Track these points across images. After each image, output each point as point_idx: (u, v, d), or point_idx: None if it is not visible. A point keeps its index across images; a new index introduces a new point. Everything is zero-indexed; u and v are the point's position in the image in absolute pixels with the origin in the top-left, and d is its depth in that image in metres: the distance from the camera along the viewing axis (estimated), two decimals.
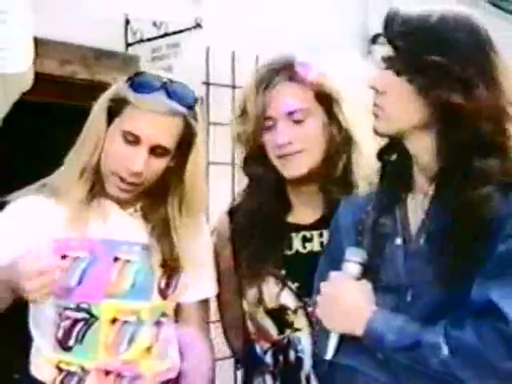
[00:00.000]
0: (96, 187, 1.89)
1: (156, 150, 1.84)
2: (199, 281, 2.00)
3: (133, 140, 1.83)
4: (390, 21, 1.53)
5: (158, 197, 1.94)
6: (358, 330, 1.52)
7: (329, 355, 1.60)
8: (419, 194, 1.57)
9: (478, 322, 1.41)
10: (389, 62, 1.53)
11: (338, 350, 1.59)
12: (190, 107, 1.88)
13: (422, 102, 1.50)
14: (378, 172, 1.67)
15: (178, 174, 1.92)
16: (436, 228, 1.50)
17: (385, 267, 1.57)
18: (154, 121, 1.83)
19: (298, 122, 1.92)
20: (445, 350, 1.41)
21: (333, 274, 1.61)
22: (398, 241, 1.57)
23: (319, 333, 1.67)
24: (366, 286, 1.58)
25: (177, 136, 1.86)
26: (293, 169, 1.94)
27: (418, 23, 1.51)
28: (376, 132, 1.59)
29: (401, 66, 1.51)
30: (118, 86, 1.90)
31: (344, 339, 1.58)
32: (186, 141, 1.89)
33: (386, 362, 1.50)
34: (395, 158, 1.63)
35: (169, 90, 1.84)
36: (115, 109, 1.86)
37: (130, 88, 1.85)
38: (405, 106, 1.52)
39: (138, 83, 1.85)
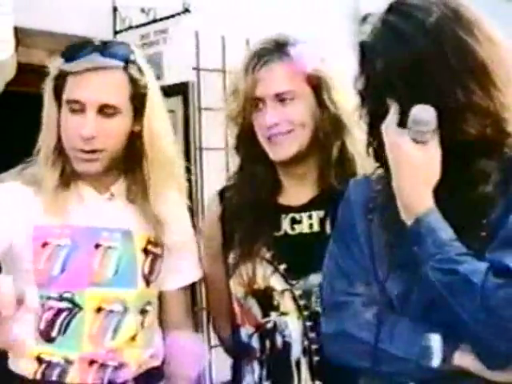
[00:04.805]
0: (66, 170, 1.86)
1: (104, 110, 1.79)
2: (182, 265, 1.97)
3: (78, 108, 1.80)
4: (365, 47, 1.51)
5: (137, 169, 1.90)
6: (418, 210, 1.43)
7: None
8: None
9: None
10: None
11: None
12: (127, 60, 1.83)
13: None
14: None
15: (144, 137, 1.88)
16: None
17: (400, 243, 1.52)
18: (90, 80, 1.79)
19: (285, 102, 1.89)
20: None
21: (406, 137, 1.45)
22: None
23: None
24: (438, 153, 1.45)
25: (123, 92, 1.82)
26: (280, 151, 1.91)
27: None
28: None
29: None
30: (56, 63, 1.87)
31: None
32: (140, 99, 1.84)
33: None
34: None
35: (101, 49, 1.82)
36: (60, 87, 1.84)
37: (64, 59, 1.83)
38: None
39: (70, 53, 1.83)
